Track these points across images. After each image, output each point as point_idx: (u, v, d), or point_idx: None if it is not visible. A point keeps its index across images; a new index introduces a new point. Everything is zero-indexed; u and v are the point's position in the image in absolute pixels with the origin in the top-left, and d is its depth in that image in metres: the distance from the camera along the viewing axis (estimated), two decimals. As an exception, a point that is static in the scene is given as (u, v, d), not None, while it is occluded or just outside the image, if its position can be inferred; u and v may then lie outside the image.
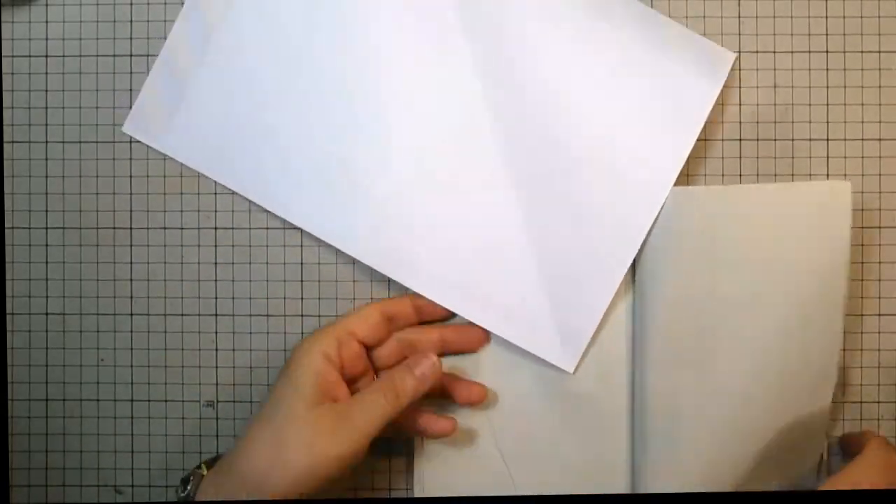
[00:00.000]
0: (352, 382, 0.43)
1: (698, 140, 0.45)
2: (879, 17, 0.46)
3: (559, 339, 0.44)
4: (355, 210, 0.45)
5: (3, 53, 0.47)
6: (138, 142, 0.47)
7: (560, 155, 0.44)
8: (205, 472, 0.42)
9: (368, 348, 0.44)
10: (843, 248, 0.43)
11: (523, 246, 0.45)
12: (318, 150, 0.45)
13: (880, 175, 0.46)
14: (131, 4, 0.47)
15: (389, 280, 0.46)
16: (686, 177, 0.46)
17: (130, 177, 0.47)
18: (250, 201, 0.46)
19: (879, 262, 0.46)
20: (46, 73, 0.47)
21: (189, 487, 0.41)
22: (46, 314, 0.47)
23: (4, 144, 0.47)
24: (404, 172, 0.45)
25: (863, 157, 0.46)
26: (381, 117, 0.45)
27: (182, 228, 0.47)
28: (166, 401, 0.47)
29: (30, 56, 0.47)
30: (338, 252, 0.46)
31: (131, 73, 0.47)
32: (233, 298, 0.47)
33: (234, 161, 0.46)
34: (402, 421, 0.43)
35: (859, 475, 0.40)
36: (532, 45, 0.44)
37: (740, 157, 0.46)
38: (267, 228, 0.47)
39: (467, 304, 0.45)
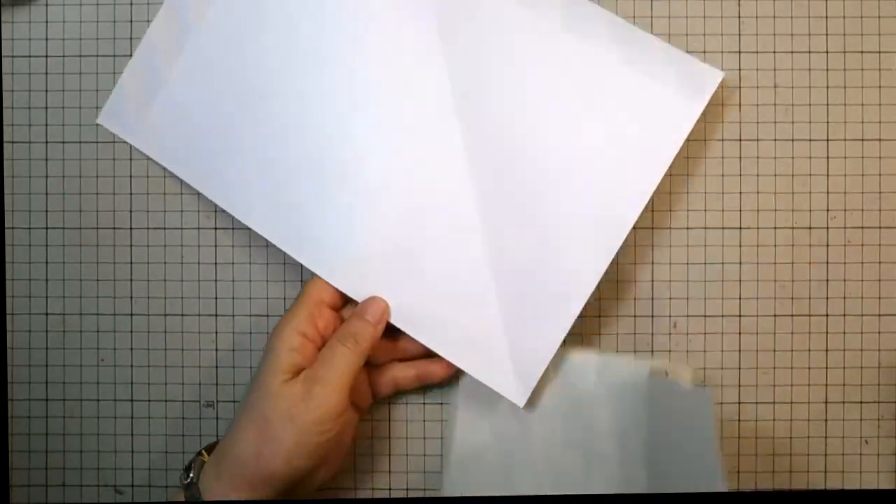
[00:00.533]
0: None
1: (699, 140, 0.45)
2: (879, 17, 0.46)
3: (512, 373, 0.44)
4: (315, 222, 0.44)
5: (3, 53, 0.47)
6: (138, 142, 0.47)
7: (529, 176, 0.44)
8: (206, 458, 0.42)
9: (338, 310, 0.45)
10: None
11: (485, 275, 0.44)
12: (283, 158, 0.44)
13: (880, 175, 0.46)
14: (131, 4, 0.47)
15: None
16: (686, 176, 0.46)
17: (130, 177, 0.47)
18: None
19: (879, 263, 0.46)
20: (46, 73, 0.47)
21: (192, 474, 0.41)
22: (46, 314, 0.47)
23: (4, 144, 0.47)
24: (371, 185, 0.44)
25: (863, 157, 0.46)
26: (351, 130, 0.44)
27: (182, 228, 0.47)
28: (166, 401, 0.47)
29: (30, 56, 0.47)
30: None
31: (131, 73, 0.47)
32: (233, 298, 0.47)
33: (200, 162, 0.45)
34: (404, 379, 0.45)
35: None
36: (508, 59, 0.44)
37: (740, 157, 0.46)
38: (267, 228, 0.47)
39: (424, 329, 0.44)
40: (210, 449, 0.43)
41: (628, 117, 0.43)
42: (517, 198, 0.44)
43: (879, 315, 0.46)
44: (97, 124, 0.47)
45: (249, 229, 0.47)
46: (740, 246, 0.46)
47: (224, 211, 0.47)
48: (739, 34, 0.46)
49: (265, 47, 0.45)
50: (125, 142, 0.47)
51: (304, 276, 0.47)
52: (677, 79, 0.43)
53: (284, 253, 0.47)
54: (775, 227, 0.46)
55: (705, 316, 0.46)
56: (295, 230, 0.44)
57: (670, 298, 0.47)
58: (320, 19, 0.44)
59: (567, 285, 0.44)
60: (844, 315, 0.46)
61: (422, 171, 0.44)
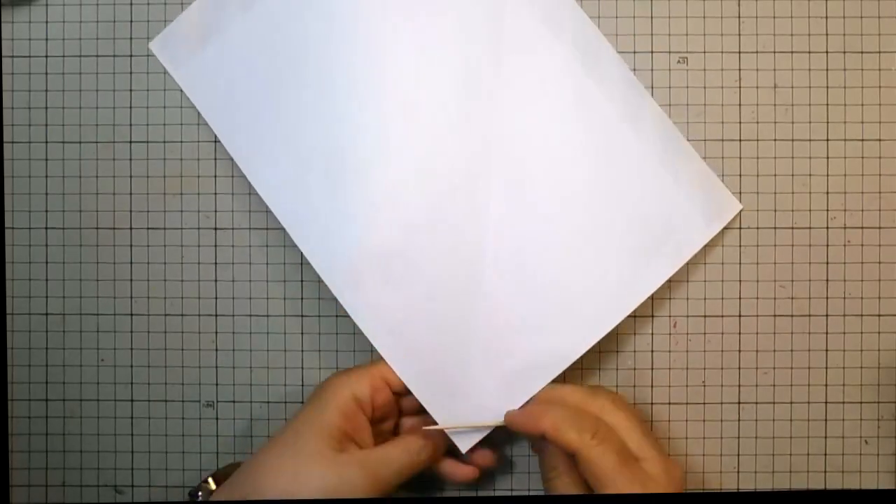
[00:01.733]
0: (377, 423, 0.44)
1: (699, 140, 0.45)
2: (879, 17, 0.46)
3: (467, 421, 0.44)
4: (322, 216, 0.44)
5: (3, 53, 0.47)
6: (138, 141, 0.47)
7: (538, 236, 0.44)
8: (213, 487, 0.42)
9: (399, 395, 0.44)
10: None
11: (471, 320, 0.44)
12: (306, 144, 0.44)
13: (880, 175, 0.46)
14: (131, 4, 0.47)
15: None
16: (686, 177, 0.46)
17: (130, 177, 0.47)
18: (251, 195, 0.46)
19: (879, 263, 0.46)
20: (46, 73, 0.47)
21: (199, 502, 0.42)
22: (46, 314, 0.47)
23: (4, 144, 0.47)
24: (382, 197, 0.44)
25: (863, 158, 0.46)
26: (376, 135, 0.44)
27: (182, 228, 0.47)
28: (166, 401, 0.47)
29: (30, 56, 0.47)
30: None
31: (131, 72, 0.47)
32: (233, 298, 0.47)
33: (231, 116, 0.45)
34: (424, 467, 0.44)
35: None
36: (553, 113, 0.44)
37: (740, 158, 0.46)
38: (267, 228, 0.47)
39: (396, 351, 0.44)
40: (218, 478, 0.43)
41: (647, 215, 0.44)
42: (523, 257, 0.44)
43: (879, 315, 0.46)
44: (97, 124, 0.47)
45: (249, 229, 0.47)
46: (740, 246, 0.46)
47: (224, 211, 0.47)
48: (739, 34, 0.46)
49: (324, 33, 0.44)
50: (125, 142, 0.47)
51: (305, 277, 0.47)
52: (702, 198, 0.45)
53: (284, 253, 0.47)
54: (775, 227, 0.46)
55: (705, 316, 0.46)
56: (303, 216, 0.44)
57: (670, 298, 0.47)
58: (379, 22, 0.44)
59: (543, 356, 0.44)
60: (844, 315, 0.46)
61: (438, 198, 0.44)
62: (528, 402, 0.44)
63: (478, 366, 0.44)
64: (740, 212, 0.46)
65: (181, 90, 0.47)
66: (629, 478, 0.39)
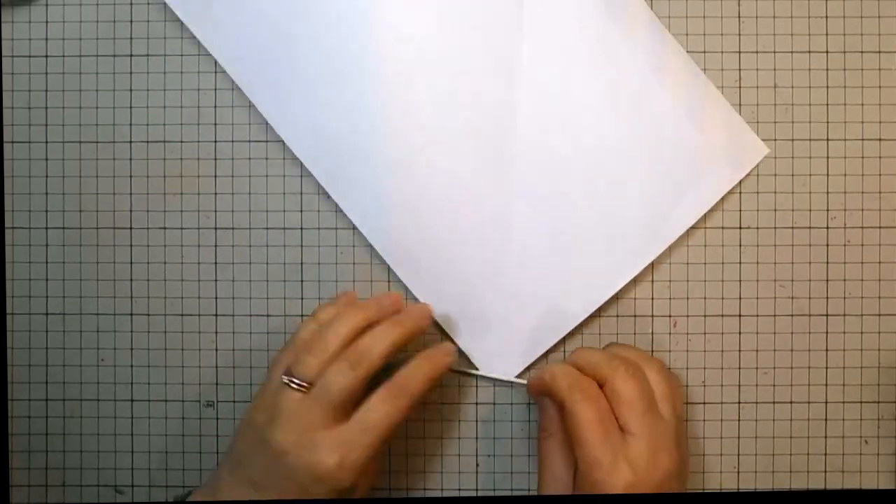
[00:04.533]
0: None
1: (698, 140, 0.45)
2: (879, 17, 0.46)
3: (499, 358, 0.45)
4: (351, 167, 0.45)
5: (3, 53, 0.47)
6: (138, 141, 0.47)
7: (567, 185, 0.45)
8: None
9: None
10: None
11: (499, 266, 0.45)
12: (329, 84, 0.45)
13: (880, 175, 0.46)
14: (131, 4, 0.47)
15: (389, 279, 0.46)
16: (686, 177, 0.46)
17: (130, 177, 0.47)
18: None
19: (879, 263, 0.46)
20: (46, 73, 0.47)
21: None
22: (46, 314, 0.47)
23: (4, 144, 0.47)
24: (416, 152, 0.45)
25: (863, 158, 0.46)
26: (412, 96, 0.45)
27: (182, 228, 0.47)
28: (166, 401, 0.47)
29: (30, 56, 0.47)
30: (338, 252, 0.46)
31: (131, 72, 0.47)
32: (233, 298, 0.47)
33: (251, 65, 0.45)
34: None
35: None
36: (580, 73, 0.45)
37: (740, 157, 0.46)
38: (267, 228, 0.47)
39: (424, 284, 0.45)
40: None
41: (673, 162, 0.45)
42: (550, 203, 0.45)
43: (879, 315, 0.46)
44: (97, 124, 0.47)
45: (249, 229, 0.47)
46: (740, 246, 0.46)
47: (224, 211, 0.47)
48: (739, 34, 0.46)
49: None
50: (125, 142, 0.47)
51: (305, 277, 0.47)
52: (727, 144, 0.45)
53: (284, 253, 0.47)
54: (775, 227, 0.46)
55: (705, 316, 0.46)
56: (330, 164, 0.45)
57: (670, 298, 0.47)
58: None
59: (569, 302, 0.45)
60: (844, 315, 0.46)
61: (462, 144, 0.45)
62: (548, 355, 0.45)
63: (509, 309, 0.45)
64: (740, 211, 0.46)
65: (181, 90, 0.47)
66: (601, 439, 0.39)
